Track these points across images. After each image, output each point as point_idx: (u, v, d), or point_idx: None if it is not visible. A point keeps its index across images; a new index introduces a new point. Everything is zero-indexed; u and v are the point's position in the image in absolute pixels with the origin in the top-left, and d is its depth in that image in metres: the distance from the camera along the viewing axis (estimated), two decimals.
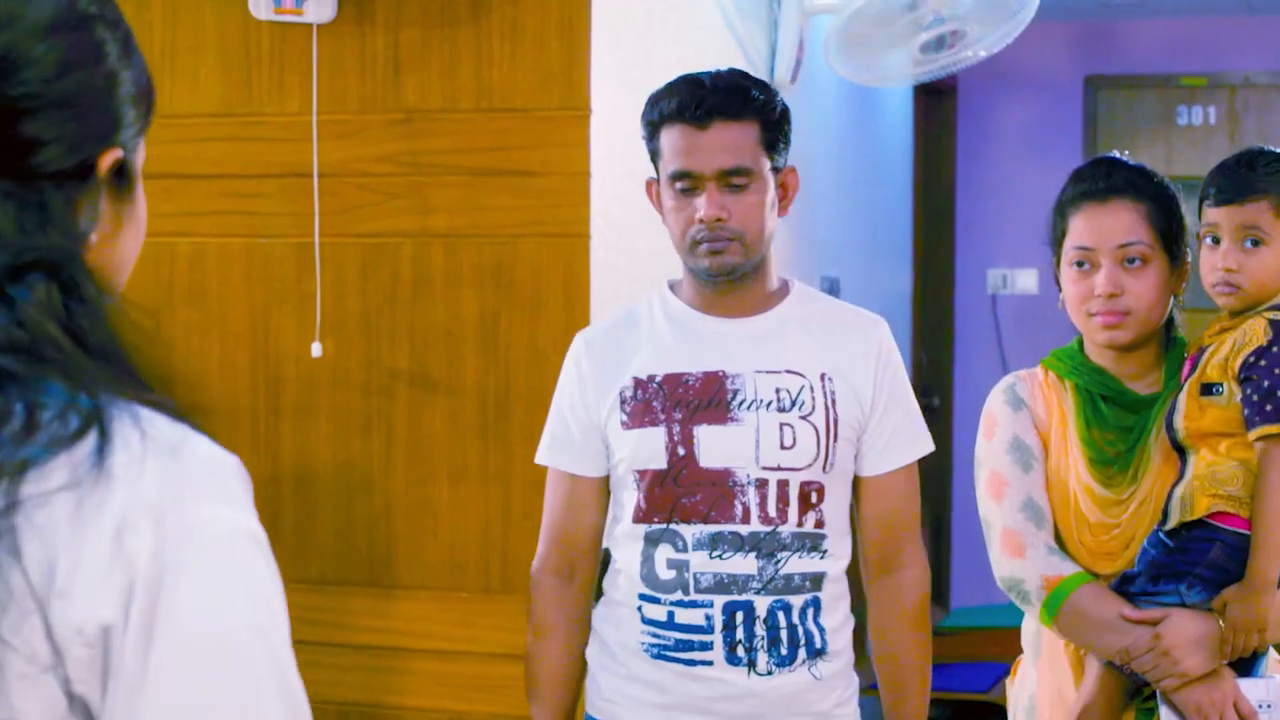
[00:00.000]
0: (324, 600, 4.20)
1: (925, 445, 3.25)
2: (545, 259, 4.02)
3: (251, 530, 1.41)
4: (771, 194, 3.12)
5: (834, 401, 3.12)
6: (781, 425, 3.09)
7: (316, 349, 4.12)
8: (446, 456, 4.11)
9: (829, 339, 3.19)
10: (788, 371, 3.13)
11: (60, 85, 1.44)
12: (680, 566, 3.10)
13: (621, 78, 4.16)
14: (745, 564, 3.07)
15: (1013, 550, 3.16)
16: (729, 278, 3.12)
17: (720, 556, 3.08)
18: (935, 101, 8.86)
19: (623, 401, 3.16)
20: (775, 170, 3.13)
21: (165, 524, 1.34)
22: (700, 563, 3.08)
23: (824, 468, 3.11)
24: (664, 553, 3.12)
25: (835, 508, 3.15)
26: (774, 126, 3.12)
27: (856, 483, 3.22)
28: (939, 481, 8.48)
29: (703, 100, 3.08)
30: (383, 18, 4.12)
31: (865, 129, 7.45)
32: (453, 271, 4.10)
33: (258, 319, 4.25)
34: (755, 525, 3.08)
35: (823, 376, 3.13)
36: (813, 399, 3.11)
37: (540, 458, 3.28)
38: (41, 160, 1.43)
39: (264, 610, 1.39)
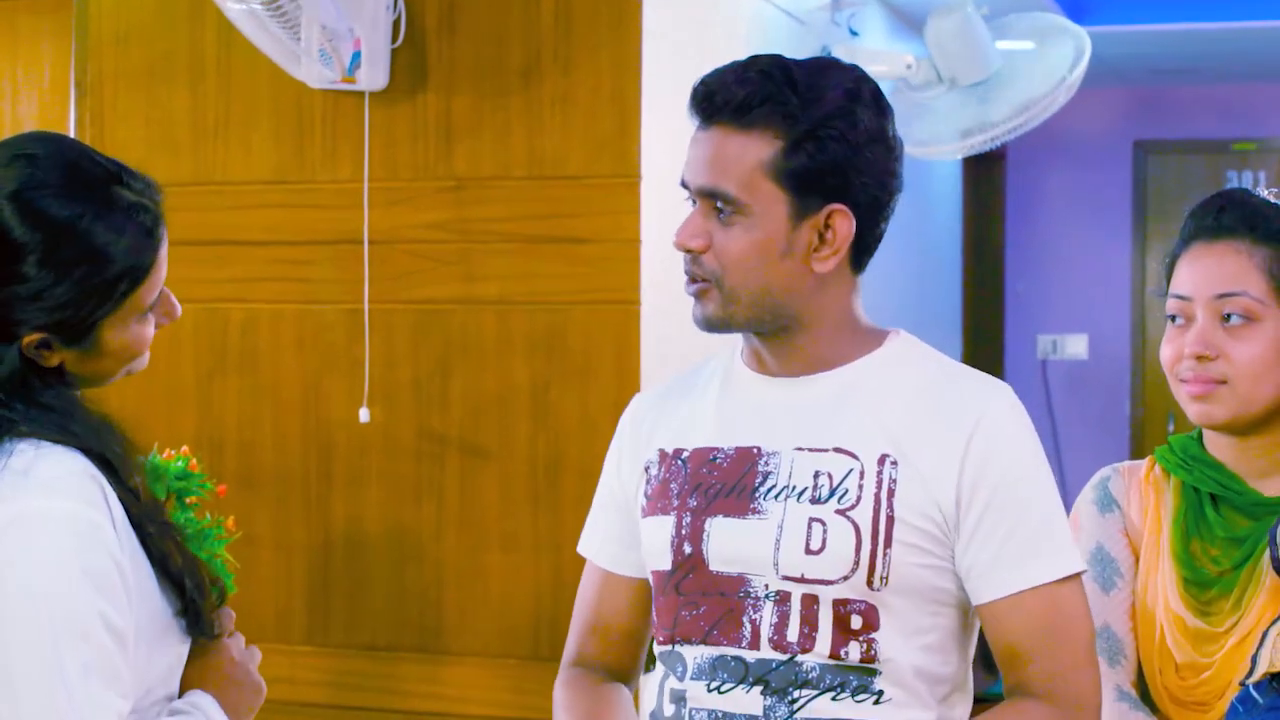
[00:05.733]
0: (375, 666, 4.20)
1: (1059, 563, 2.27)
2: (596, 326, 4.03)
3: (67, 513, 1.98)
4: (783, 238, 2.27)
5: (891, 494, 2.25)
6: (810, 521, 2.26)
7: (364, 414, 4.13)
8: (497, 523, 4.11)
9: (907, 411, 2.30)
10: (836, 450, 2.29)
11: None
12: (679, 700, 2.34)
13: (672, 145, 4.16)
14: (748, 701, 2.28)
15: None
16: (718, 333, 2.35)
17: (719, 690, 2.30)
18: (984, 167, 8.86)
19: (647, 480, 2.43)
20: (803, 209, 2.26)
21: None
22: (697, 696, 2.31)
23: (870, 582, 2.24)
24: (670, 682, 2.36)
25: (906, 641, 2.28)
26: (803, 147, 2.25)
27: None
28: None
29: (710, 92, 2.28)
30: (435, 86, 4.14)
31: (914, 194, 7.42)
32: (503, 338, 4.11)
33: (309, 385, 4.27)
34: (765, 651, 2.27)
35: (882, 459, 2.27)
36: (860, 488, 2.26)
37: (580, 544, 2.58)
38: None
39: (45, 570, 1.95)
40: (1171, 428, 8.27)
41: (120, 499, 2.06)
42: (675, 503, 2.35)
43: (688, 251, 2.30)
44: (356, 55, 4.01)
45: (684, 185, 2.33)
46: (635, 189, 4.00)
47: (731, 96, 2.26)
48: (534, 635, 4.09)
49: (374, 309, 4.17)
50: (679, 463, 2.39)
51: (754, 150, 2.25)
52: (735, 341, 2.44)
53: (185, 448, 3.54)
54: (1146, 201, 9.08)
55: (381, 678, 4.19)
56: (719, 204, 2.27)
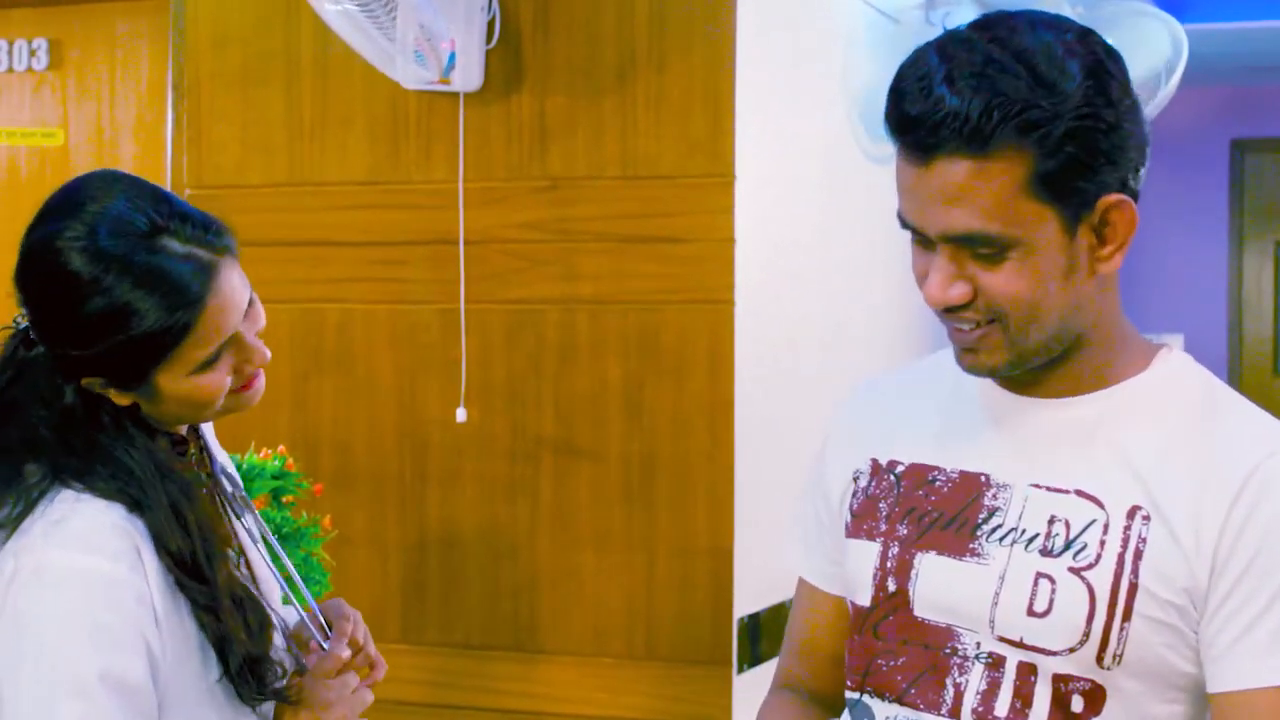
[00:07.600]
0: (468, 665, 4.21)
1: None
2: (690, 326, 4.02)
3: (86, 568, 2.00)
4: (1063, 256, 1.89)
5: (1138, 556, 1.88)
6: (1038, 576, 1.91)
7: (461, 414, 4.15)
8: (591, 523, 4.11)
9: (1168, 453, 1.91)
10: (1078, 493, 1.92)
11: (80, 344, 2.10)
12: None
13: (766, 144, 4.16)
14: None
15: None
16: (999, 376, 2.00)
17: None
18: None
19: (854, 493, 2.12)
20: (1075, 215, 1.89)
21: (20, 559, 2.01)
22: None
23: (1100, 659, 1.88)
24: None
25: None
26: (1063, 150, 1.84)
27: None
28: None
29: (923, 117, 1.84)
30: (529, 86, 4.15)
31: None
32: (598, 338, 4.11)
33: (404, 385, 4.28)
34: None
35: (1133, 512, 1.90)
36: (1102, 544, 1.89)
37: (787, 549, 2.30)
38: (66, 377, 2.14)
39: (49, 625, 1.99)
40: None
41: (161, 559, 2.07)
42: (883, 527, 2.04)
43: (951, 309, 1.92)
44: (453, 56, 4.02)
45: (905, 225, 1.94)
46: (729, 188, 3.99)
47: (952, 123, 1.82)
48: (627, 635, 4.09)
49: (469, 309, 4.18)
50: (891, 477, 2.06)
51: (1006, 175, 1.84)
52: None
53: (282, 447, 3.58)
54: (1244, 201, 9.00)
55: (475, 676, 4.20)
56: (979, 248, 1.88)
